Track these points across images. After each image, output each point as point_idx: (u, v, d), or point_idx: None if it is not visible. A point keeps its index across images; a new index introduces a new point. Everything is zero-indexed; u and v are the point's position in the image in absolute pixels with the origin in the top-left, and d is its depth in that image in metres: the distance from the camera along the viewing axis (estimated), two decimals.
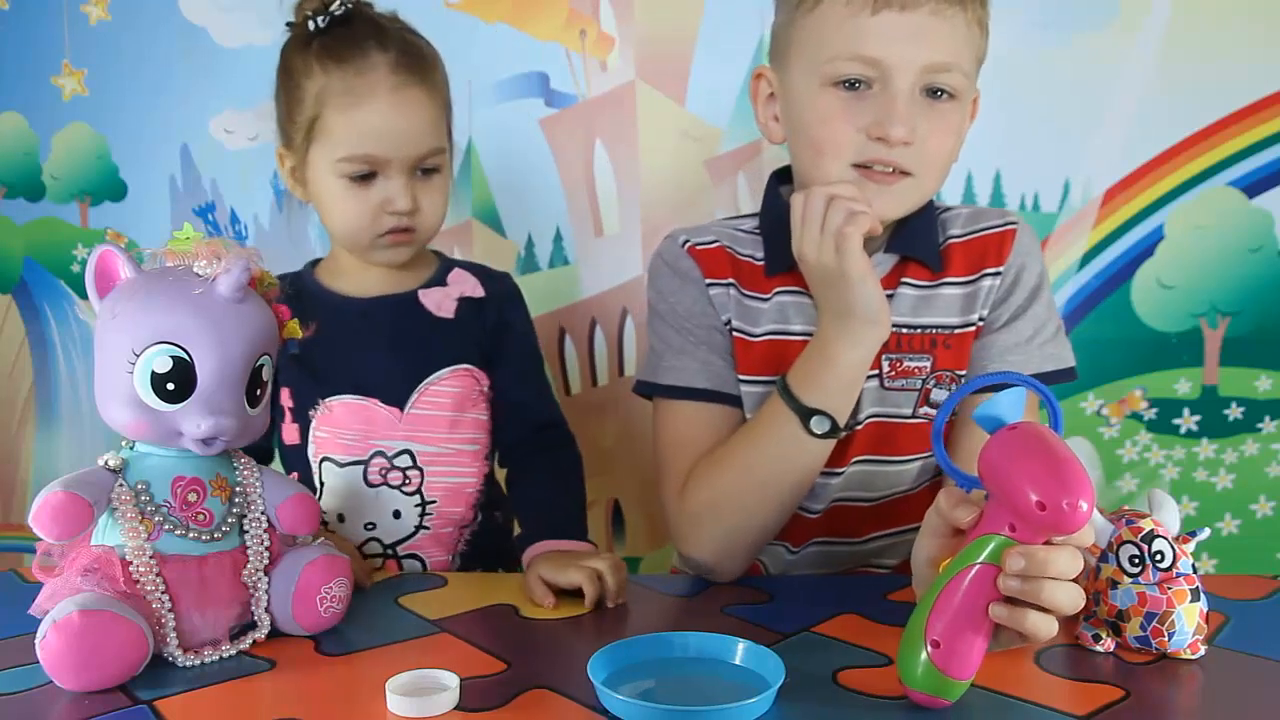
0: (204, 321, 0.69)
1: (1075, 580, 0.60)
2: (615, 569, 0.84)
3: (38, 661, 0.65)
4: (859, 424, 0.92)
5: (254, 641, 0.74)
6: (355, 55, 0.95)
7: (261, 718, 0.64)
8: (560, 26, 1.34)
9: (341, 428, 0.99)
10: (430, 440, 1.00)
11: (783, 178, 0.98)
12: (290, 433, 1.01)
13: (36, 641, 0.65)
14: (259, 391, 0.74)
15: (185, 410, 0.69)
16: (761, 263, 0.95)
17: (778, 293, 0.94)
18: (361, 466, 0.99)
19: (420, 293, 1.03)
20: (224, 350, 0.70)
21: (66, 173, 1.39)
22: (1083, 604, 0.61)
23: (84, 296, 1.19)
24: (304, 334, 0.79)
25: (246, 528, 0.75)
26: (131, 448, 0.73)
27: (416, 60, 0.97)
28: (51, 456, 1.44)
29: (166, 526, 0.71)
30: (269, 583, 0.75)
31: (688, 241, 0.97)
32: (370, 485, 0.99)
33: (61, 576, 0.70)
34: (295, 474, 1.02)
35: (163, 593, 0.70)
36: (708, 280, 0.95)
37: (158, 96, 1.37)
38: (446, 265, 1.07)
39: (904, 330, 0.91)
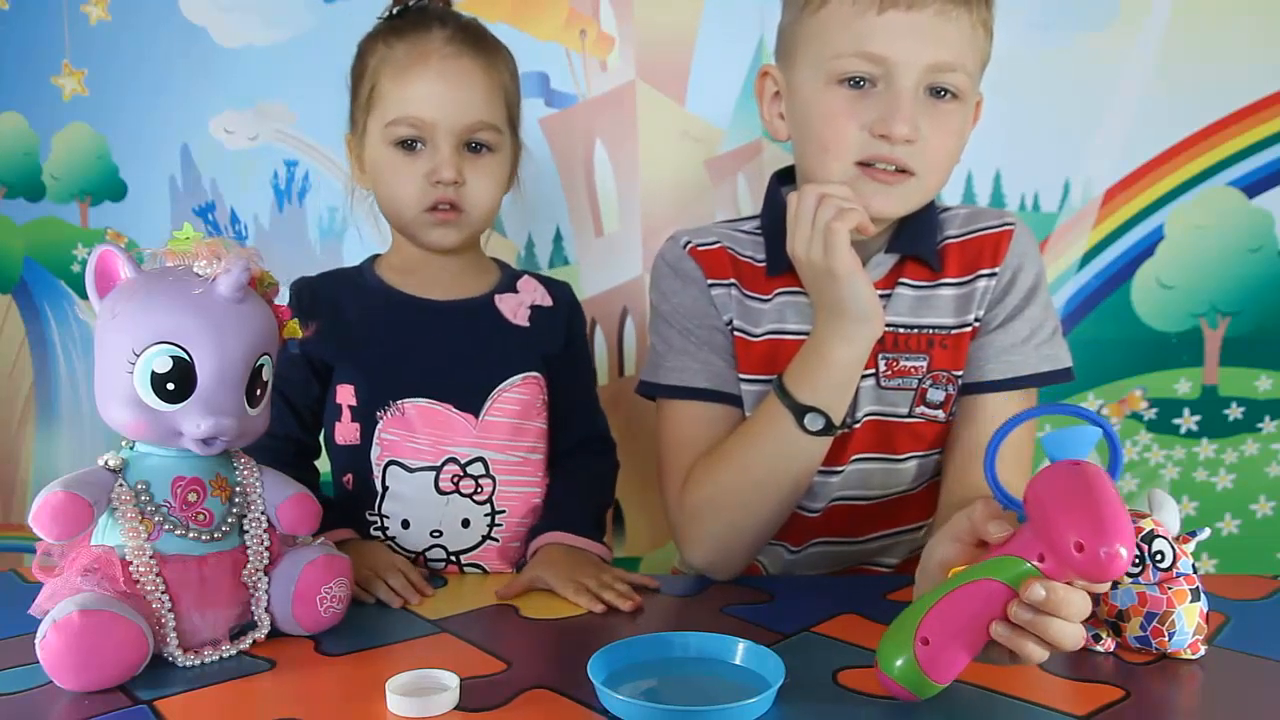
0: (204, 321, 0.69)
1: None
2: (608, 586, 0.85)
3: (38, 661, 0.65)
4: (856, 422, 0.92)
5: (254, 641, 0.74)
6: (415, 31, 0.97)
7: (261, 718, 0.64)
8: (560, 26, 1.34)
9: (414, 431, 0.97)
10: (501, 448, 0.99)
11: (784, 178, 0.99)
12: (348, 432, 0.98)
13: (36, 641, 0.65)
14: (259, 391, 0.74)
15: (185, 410, 0.69)
16: (762, 264, 0.96)
17: (778, 293, 0.94)
18: (433, 473, 0.97)
19: (496, 298, 1.02)
20: (224, 350, 0.70)
21: (66, 173, 1.39)
22: (1082, 644, 0.60)
23: (84, 296, 1.19)
24: (304, 334, 0.79)
25: (246, 528, 0.75)
26: (131, 448, 0.73)
27: (474, 37, 0.98)
28: (51, 456, 1.44)
29: (166, 526, 0.71)
30: (269, 583, 0.75)
31: (689, 243, 0.97)
32: (441, 492, 0.97)
33: (61, 576, 0.70)
34: (349, 475, 0.99)
35: (163, 593, 0.70)
36: (709, 281, 0.96)
37: (158, 96, 1.37)
38: (512, 272, 1.07)
39: (900, 330, 0.92)
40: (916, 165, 0.85)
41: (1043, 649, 0.59)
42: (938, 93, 0.85)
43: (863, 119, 0.84)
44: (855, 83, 0.84)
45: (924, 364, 0.92)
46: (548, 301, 1.05)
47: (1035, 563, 0.58)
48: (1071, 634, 0.58)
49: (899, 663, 0.60)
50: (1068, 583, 0.57)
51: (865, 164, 0.85)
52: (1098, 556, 0.54)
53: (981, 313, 0.92)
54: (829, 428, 0.86)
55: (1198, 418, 1.35)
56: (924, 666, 0.59)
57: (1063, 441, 0.59)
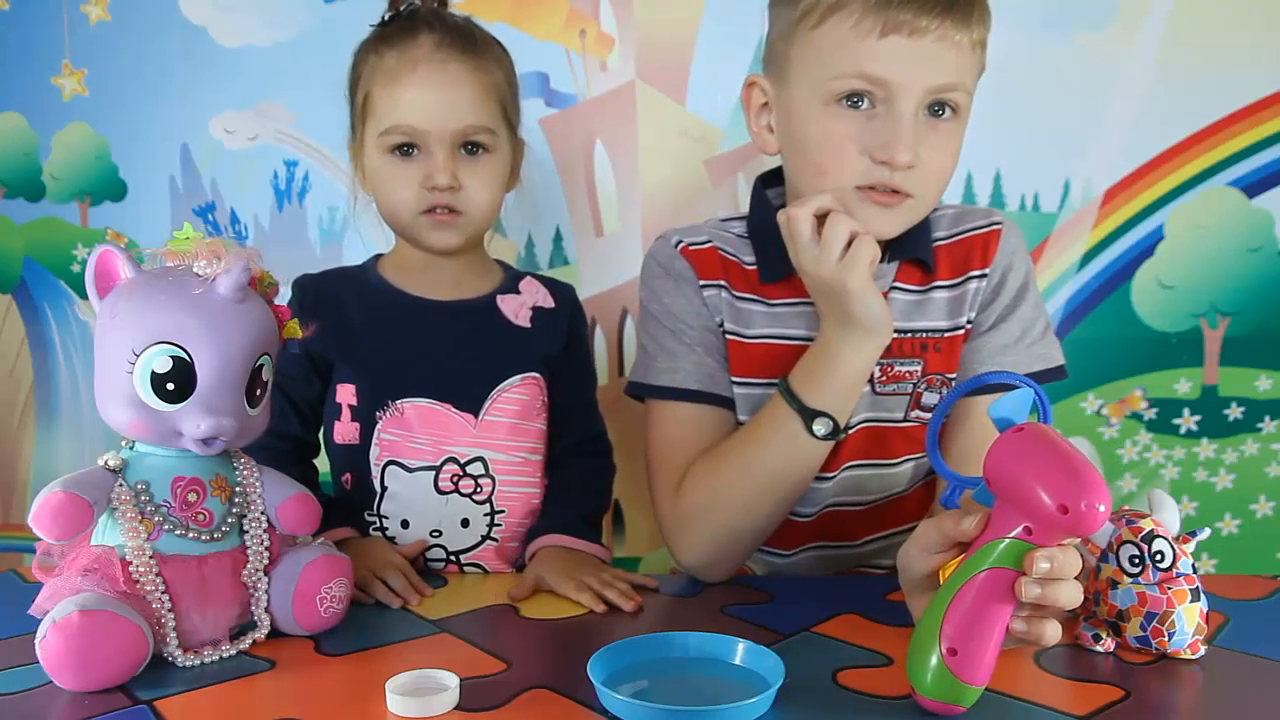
0: (204, 321, 0.69)
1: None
2: (609, 585, 0.85)
3: (38, 661, 0.65)
4: (850, 429, 0.92)
5: (254, 641, 0.74)
6: (404, 38, 0.96)
7: (261, 718, 0.64)
8: (560, 26, 1.34)
9: (413, 431, 0.97)
10: (501, 448, 0.99)
11: (768, 181, 0.98)
12: (348, 432, 0.99)
13: (36, 641, 0.65)
14: (259, 391, 0.74)
15: (185, 410, 0.69)
16: (750, 265, 0.95)
17: (774, 300, 0.94)
18: (433, 473, 0.97)
19: (498, 298, 1.03)
20: (224, 350, 0.70)
21: (66, 173, 1.39)
22: (1082, 599, 0.61)
23: (84, 296, 1.19)
24: (304, 333, 0.79)
25: (246, 528, 0.75)
26: (131, 448, 0.73)
27: (464, 39, 0.97)
28: (51, 456, 1.44)
29: (166, 526, 0.71)
30: (269, 583, 0.75)
31: (681, 241, 0.97)
32: (440, 492, 0.98)
33: (61, 576, 0.70)
34: (348, 475, 1.00)
35: (163, 593, 0.70)
36: (701, 281, 0.95)
37: (158, 96, 1.37)
38: (514, 273, 1.07)
39: (895, 335, 0.91)
40: (914, 188, 0.84)
41: (1056, 628, 0.60)
42: (937, 111, 0.84)
43: (863, 143, 0.83)
44: (854, 102, 0.83)
45: (919, 369, 0.92)
46: (550, 303, 1.05)
47: (1023, 536, 0.59)
48: (1078, 592, 0.60)
49: (930, 682, 0.60)
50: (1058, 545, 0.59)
51: (863, 186, 0.84)
52: (1082, 511, 0.55)
53: (973, 314, 0.92)
54: (835, 432, 0.86)
55: (1198, 418, 1.35)
56: (960, 676, 0.59)
57: (1001, 412, 0.61)
